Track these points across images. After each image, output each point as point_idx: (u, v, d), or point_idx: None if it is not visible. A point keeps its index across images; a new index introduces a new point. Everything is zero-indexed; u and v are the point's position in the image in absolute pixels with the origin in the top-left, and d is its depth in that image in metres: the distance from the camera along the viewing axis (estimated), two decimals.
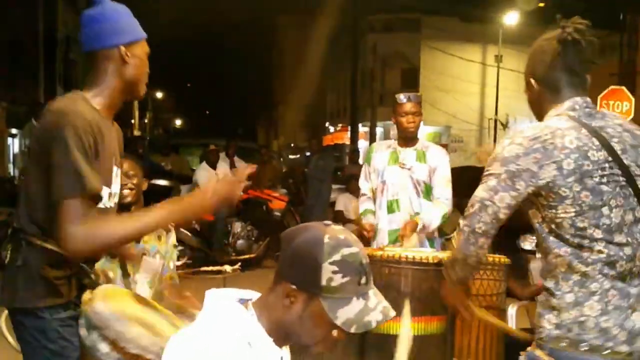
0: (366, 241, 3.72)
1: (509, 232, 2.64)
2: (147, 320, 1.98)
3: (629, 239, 1.72)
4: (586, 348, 1.70)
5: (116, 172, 2.01)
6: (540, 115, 1.89)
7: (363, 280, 1.37)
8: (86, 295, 1.96)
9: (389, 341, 2.80)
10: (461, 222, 1.84)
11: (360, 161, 14.69)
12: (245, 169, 1.94)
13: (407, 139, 3.74)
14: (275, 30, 30.32)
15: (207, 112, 33.88)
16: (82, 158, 1.76)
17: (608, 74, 12.37)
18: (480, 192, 1.79)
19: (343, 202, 7.95)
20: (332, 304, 1.34)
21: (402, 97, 3.74)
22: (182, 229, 3.49)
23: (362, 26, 19.83)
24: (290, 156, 14.43)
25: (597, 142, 1.72)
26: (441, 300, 2.80)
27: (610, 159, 1.72)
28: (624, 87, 8.67)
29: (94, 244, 1.76)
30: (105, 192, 1.91)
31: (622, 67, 14.14)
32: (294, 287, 1.36)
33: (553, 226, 1.74)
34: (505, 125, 22.16)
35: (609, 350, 1.69)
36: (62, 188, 1.74)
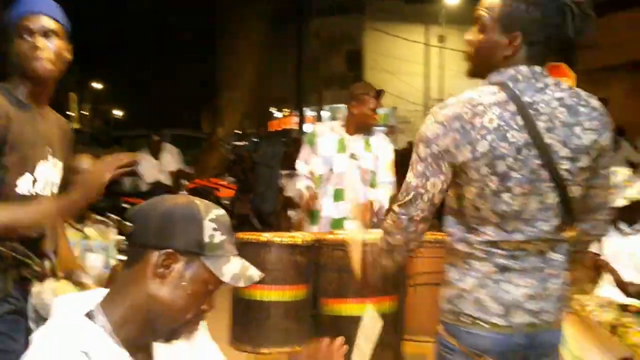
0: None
1: None
2: None
3: (524, 227, 1.66)
4: (466, 320, 1.71)
5: (53, 162, 1.97)
6: (481, 70, 1.74)
7: (234, 241, 1.38)
8: (35, 288, 1.90)
9: (344, 323, 2.82)
10: (396, 209, 1.75)
11: None
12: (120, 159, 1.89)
13: (361, 129, 3.74)
14: (217, 15, 29.78)
15: (149, 101, 33.07)
16: None
17: None
18: (412, 179, 1.72)
19: (293, 187, 7.92)
20: (215, 263, 1.32)
21: (371, 92, 3.75)
22: (127, 223, 3.40)
23: (305, 9, 19.71)
24: (237, 143, 14.24)
25: (521, 121, 1.61)
26: (392, 280, 2.86)
27: (529, 140, 1.61)
28: (563, 63, 8.87)
29: None
30: (27, 179, 1.88)
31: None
32: (170, 251, 1.29)
33: (453, 204, 1.73)
34: None
35: (485, 323, 1.69)
36: None
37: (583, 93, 1.72)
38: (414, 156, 1.73)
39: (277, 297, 2.88)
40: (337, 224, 3.70)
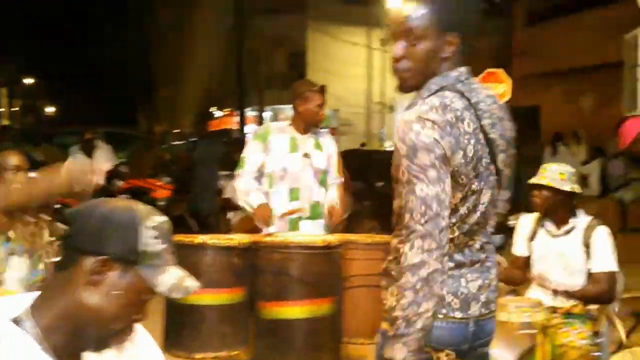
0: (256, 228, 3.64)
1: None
2: None
3: (480, 219, 1.73)
4: None
5: None
6: (419, 81, 1.72)
7: (173, 250, 1.34)
8: None
9: (282, 326, 2.82)
10: (420, 229, 1.59)
11: None
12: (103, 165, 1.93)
13: (310, 127, 3.73)
14: (155, 9, 29.16)
15: (84, 97, 31.98)
16: None
17: (485, 57, 12.97)
18: (426, 189, 1.59)
19: (232, 188, 7.81)
20: (151, 272, 1.28)
21: (314, 88, 3.70)
22: (58, 224, 3.29)
23: (246, 7, 19.55)
24: (175, 142, 14.00)
25: (479, 122, 1.67)
26: (330, 282, 2.85)
27: (485, 137, 1.68)
28: (500, 70, 9.05)
29: None
30: None
31: (498, 49, 14.88)
32: (105, 257, 1.25)
33: None
34: (392, 109, 22.81)
35: (443, 316, 1.71)
36: None
37: None
38: (414, 168, 1.60)
39: (212, 301, 2.84)
40: (292, 223, 3.64)
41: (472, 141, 1.64)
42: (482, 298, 1.77)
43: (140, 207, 1.32)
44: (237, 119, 20.69)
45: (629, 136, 3.54)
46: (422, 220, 1.60)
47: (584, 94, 12.33)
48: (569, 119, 12.09)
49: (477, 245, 1.77)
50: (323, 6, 23.14)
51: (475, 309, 1.75)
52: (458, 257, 1.74)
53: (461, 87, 1.69)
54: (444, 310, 1.71)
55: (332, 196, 3.76)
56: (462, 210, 1.70)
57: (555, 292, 3.12)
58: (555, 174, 3.16)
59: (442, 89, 1.68)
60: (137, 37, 27.87)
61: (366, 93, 24.64)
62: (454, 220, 1.69)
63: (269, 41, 23.64)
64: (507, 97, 8.68)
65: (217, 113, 27.90)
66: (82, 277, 1.24)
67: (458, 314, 1.73)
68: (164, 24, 29.36)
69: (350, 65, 23.70)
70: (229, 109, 25.67)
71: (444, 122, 1.62)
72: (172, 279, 1.30)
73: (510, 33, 14.67)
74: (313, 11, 23.82)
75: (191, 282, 1.34)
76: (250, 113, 22.27)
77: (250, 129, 20.74)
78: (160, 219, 1.32)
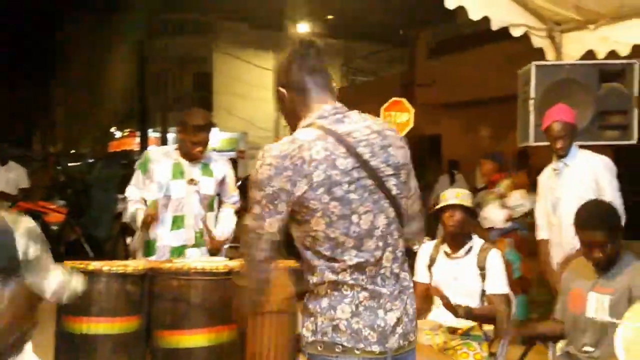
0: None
1: None
2: None
3: (380, 243, 1.78)
4: (339, 350, 1.74)
5: None
6: (297, 126, 1.89)
7: (49, 251, 1.35)
8: None
9: (180, 355, 2.73)
10: (243, 251, 1.82)
11: None
12: None
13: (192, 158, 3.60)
14: (55, 25, 28.02)
15: None
16: None
17: (390, 86, 13.31)
18: (250, 221, 1.79)
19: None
20: (34, 278, 1.29)
21: (197, 122, 3.51)
22: None
23: (151, 27, 19.21)
24: (71, 164, 13.38)
25: (343, 149, 1.75)
26: (232, 309, 2.77)
27: (357, 164, 1.75)
28: (404, 99, 9.28)
29: None
30: None
31: (403, 79, 15.35)
32: None
33: (309, 240, 1.77)
34: None
35: (360, 351, 1.74)
36: None
37: (380, 120, 1.95)
38: (249, 199, 1.78)
39: (105, 330, 2.70)
40: (176, 252, 3.51)
41: (322, 167, 1.72)
42: (400, 330, 1.79)
43: (7, 217, 1.30)
44: (138, 140, 20.13)
45: (547, 120, 3.74)
46: (245, 248, 1.81)
47: (483, 125, 12.88)
48: (469, 148, 12.56)
49: (388, 273, 1.80)
50: (229, 29, 23.14)
51: (393, 342, 1.77)
52: (372, 287, 1.77)
53: (323, 121, 1.81)
54: (360, 345, 1.73)
55: (222, 218, 3.65)
56: (336, 236, 1.74)
57: (451, 308, 3.19)
58: (466, 196, 3.38)
59: (308, 125, 1.82)
60: (35, 54, 26.61)
61: (275, 117, 24.77)
62: (335, 248, 1.74)
63: (175, 62, 23.29)
64: (410, 125, 8.95)
65: (118, 134, 27.04)
66: None
67: (376, 348, 1.74)
68: (65, 42, 28.25)
69: (259, 89, 23.77)
70: (129, 130, 24.93)
71: (281, 156, 1.75)
72: (55, 283, 1.30)
73: (414, 64, 15.22)
74: (219, 34, 23.74)
75: (77, 282, 1.35)
76: (152, 134, 21.73)
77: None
78: (29, 223, 1.31)
